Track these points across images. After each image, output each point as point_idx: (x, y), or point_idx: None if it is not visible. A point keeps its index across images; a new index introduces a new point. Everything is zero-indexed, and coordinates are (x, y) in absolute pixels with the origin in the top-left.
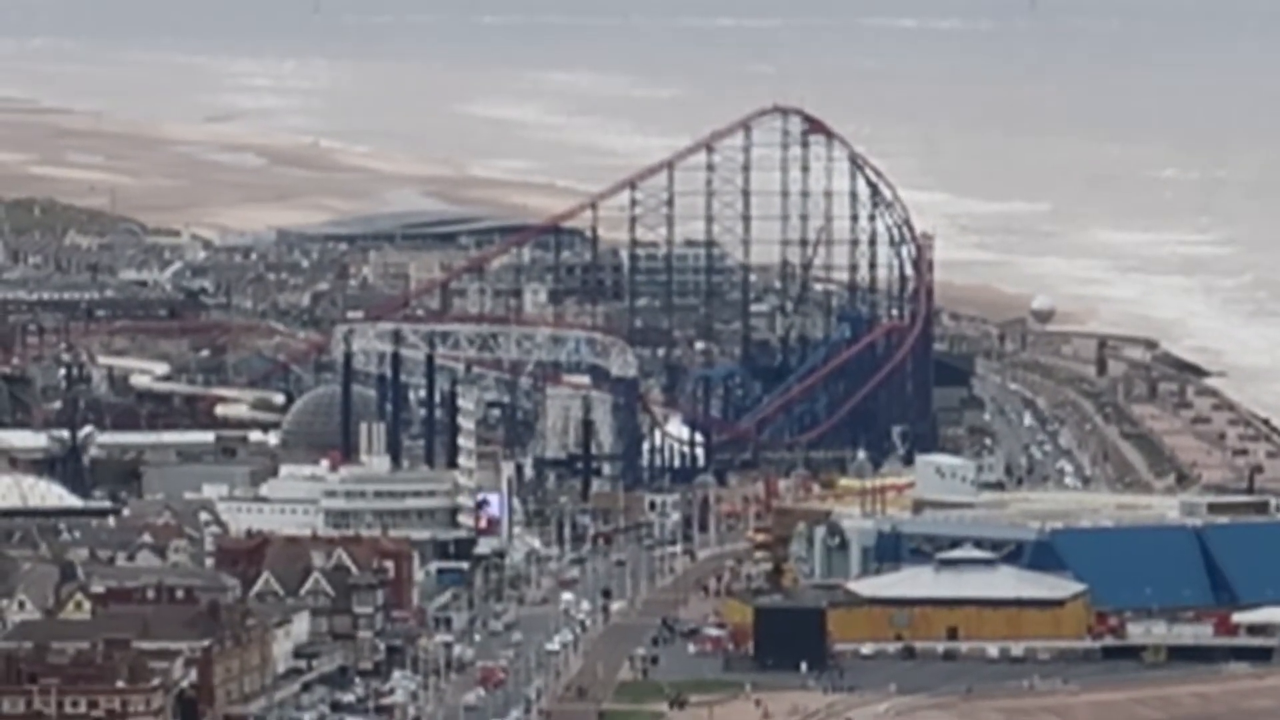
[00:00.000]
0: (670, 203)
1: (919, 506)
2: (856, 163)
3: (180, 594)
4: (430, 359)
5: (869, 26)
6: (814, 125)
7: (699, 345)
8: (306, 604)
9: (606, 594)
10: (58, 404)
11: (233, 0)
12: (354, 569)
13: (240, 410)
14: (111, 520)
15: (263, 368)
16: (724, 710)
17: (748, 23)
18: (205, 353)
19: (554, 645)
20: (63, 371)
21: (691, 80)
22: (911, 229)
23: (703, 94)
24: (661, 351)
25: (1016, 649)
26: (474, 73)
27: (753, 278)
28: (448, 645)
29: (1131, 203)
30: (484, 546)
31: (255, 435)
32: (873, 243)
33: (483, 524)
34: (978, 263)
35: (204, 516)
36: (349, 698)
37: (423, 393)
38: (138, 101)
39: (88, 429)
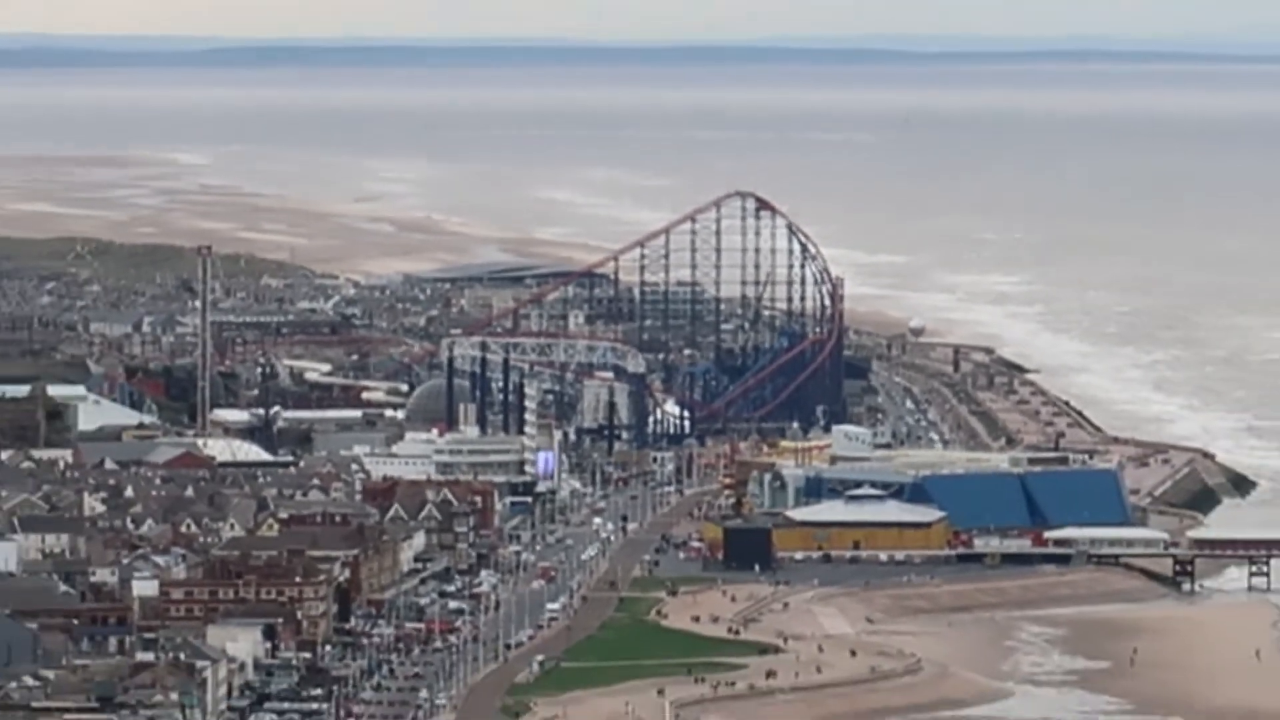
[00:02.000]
0: (666, 256)
1: (834, 460)
2: (792, 229)
3: (338, 519)
4: (506, 361)
5: (798, 138)
6: (763, 204)
7: (686, 352)
8: (423, 525)
9: (624, 519)
10: (256, 392)
11: (361, 121)
12: (455, 502)
13: (378, 395)
14: (293, 470)
15: (393, 367)
16: (703, 597)
17: (718, 135)
18: (355, 357)
19: (589, 553)
20: (259, 370)
21: (677, 174)
22: (829, 273)
23: (685, 183)
24: (661, 356)
25: (899, 556)
26: (531, 169)
27: (723, 306)
28: (518, 553)
29: (964, 257)
30: (542, 486)
31: (389, 413)
32: (803, 283)
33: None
34: (871, 296)
35: (354, 467)
36: (451, 588)
37: (501, 384)
38: (307, 187)
39: (276, 408)
